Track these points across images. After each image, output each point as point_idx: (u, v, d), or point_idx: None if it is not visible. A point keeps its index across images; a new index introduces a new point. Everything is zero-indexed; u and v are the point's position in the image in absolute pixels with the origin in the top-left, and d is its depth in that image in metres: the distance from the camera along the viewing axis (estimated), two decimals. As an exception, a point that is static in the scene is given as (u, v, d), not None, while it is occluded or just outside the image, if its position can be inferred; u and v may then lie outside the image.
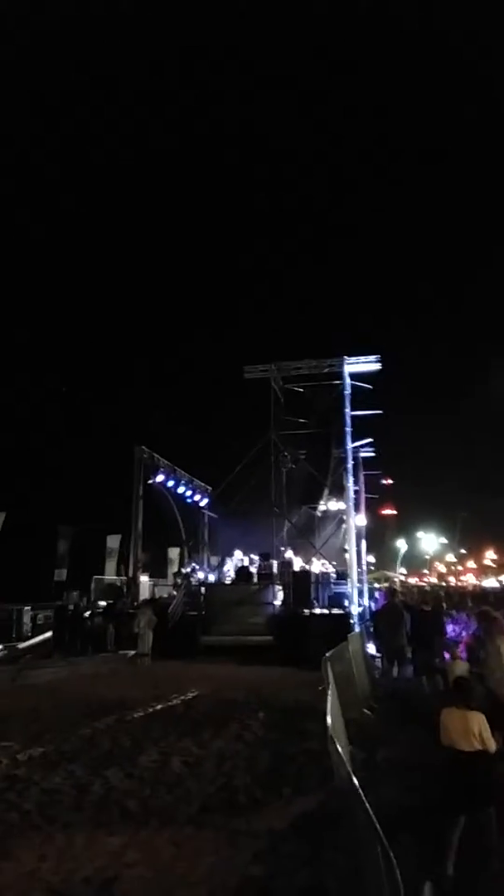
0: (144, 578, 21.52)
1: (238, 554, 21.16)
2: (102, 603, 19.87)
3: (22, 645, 17.84)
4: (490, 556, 75.13)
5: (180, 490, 23.11)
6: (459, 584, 56.00)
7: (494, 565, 71.99)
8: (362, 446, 23.42)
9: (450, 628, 13.47)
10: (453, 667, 7.97)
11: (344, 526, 21.74)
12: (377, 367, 20.64)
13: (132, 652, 16.21)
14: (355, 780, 3.34)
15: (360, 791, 3.20)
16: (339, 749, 4.20)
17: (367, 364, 20.70)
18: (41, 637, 18.48)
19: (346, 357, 20.69)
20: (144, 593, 20.68)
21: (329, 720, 4.73)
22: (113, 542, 23.84)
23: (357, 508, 22.99)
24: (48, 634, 18.46)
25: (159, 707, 9.97)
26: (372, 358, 20.67)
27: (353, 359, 20.73)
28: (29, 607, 20.09)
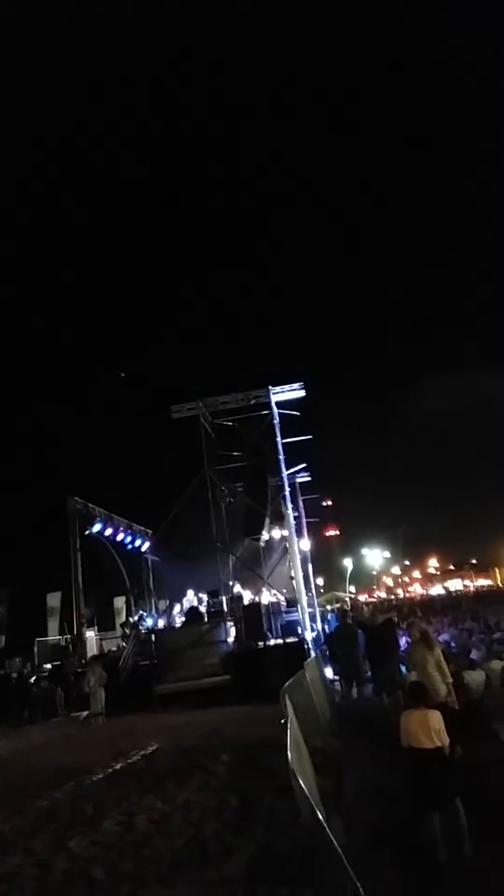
0: (90, 633, 20.85)
1: (190, 594, 20.84)
2: (48, 665, 19.09)
3: (-34, 721, 16.81)
4: (433, 563, 77.05)
5: (119, 537, 22.66)
6: (408, 595, 57.02)
7: (438, 572, 73.83)
8: (297, 472, 23.73)
9: (403, 641, 13.64)
10: (411, 678, 8.10)
11: (289, 553, 21.79)
12: (302, 393, 21.11)
13: (85, 713, 15.59)
14: (319, 815, 3.30)
15: (325, 825, 3.16)
16: (301, 783, 4.14)
17: (291, 392, 21.13)
18: (-14, 710, 17.48)
19: (270, 387, 21.04)
20: (92, 649, 20.00)
21: (290, 755, 4.66)
22: (53, 599, 22.97)
23: (299, 533, 23.16)
24: (-7, 706, 17.49)
25: (119, 766, 9.57)
26: (296, 385, 21.13)
27: (278, 388, 21.11)
28: (-30, 680, 19.01)
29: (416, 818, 4.94)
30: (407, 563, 77.25)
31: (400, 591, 63.75)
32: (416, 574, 76.44)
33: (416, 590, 62.97)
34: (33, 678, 18.01)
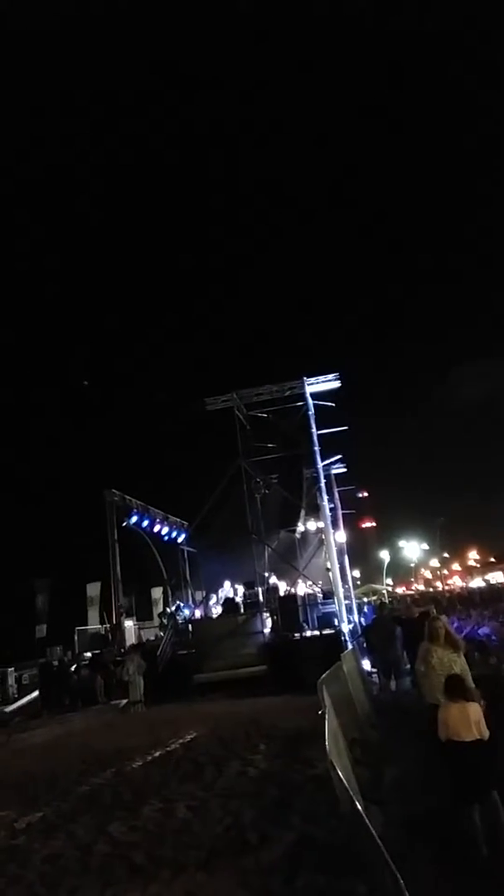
0: (129, 623, 21.12)
1: (227, 585, 20.95)
2: (88, 654, 19.41)
3: (9, 708, 17.28)
4: (473, 556, 75.83)
5: (156, 529, 22.88)
6: (447, 587, 56.30)
7: (478, 565, 72.64)
8: (333, 463, 23.56)
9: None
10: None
11: (325, 545, 21.70)
12: (337, 384, 20.93)
13: (124, 701, 15.81)
14: (359, 805, 3.27)
15: (364, 815, 3.13)
16: (340, 774, 4.11)
17: (327, 383, 20.97)
18: (28, 697, 17.93)
19: (305, 378, 20.92)
20: (131, 638, 20.26)
21: (328, 745, 4.64)
22: (93, 589, 23.37)
23: (335, 525, 23.00)
24: (35, 694, 17.93)
25: (158, 753, 9.70)
26: (331, 376, 20.96)
27: (313, 379, 20.97)
28: (12, 668, 19.51)
29: (455, 811, 4.88)
30: (446, 555, 76.19)
31: (439, 584, 62.94)
32: (456, 566, 75.35)
33: (456, 582, 62.07)
34: (74, 666, 18.34)
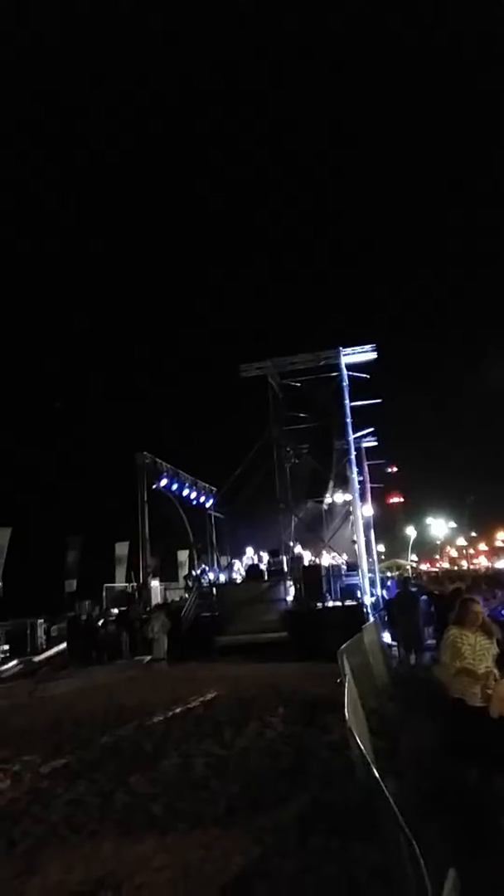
0: (155, 583, 21.52)
1: (249, 552, 21.16)
2: (115, 610, 19.88)
3: (37, 658, 17.82)
4: (501, 536, 74.98)
5: (185, 493, 23.10)
6: (472, 566, 55.95)
7: (506, 546, 71.81)
8: (364, 436, 23.40)
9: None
10: None
11: (351, 517, 21.69)
12: (373, 356, 20.64)
13: (148, 657, 16.21)
14: (375, 773, 3.30)
15: (381, 782, 3.16)
16: (359, 741, 4.16)
17: (363, 354, 20.68)
18: (56, 649, 18.47)
19: (341, 348, 20.67)
20: (156, 598, 20.68)
21: (347, 713, 4.69)
22: (121, 549, 23.85)
23: (363, 499, 22.96)
24: (63, 646, 18.46)
25: (179, 710, 9.94)
26: (367, 347, 20.66)
27: (349, 349, 20.71)
28: (42, 620, 20.07)
29: (481, 784, 4.92)
30: (474, 534, 75.57)
31: (465, 563, 62.56)
32: (483, 546, 74.69)
33: (482, 562, 61.62)
34: (101, 621, 18.81)
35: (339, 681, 7.09)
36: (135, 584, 21.64)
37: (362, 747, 4.20)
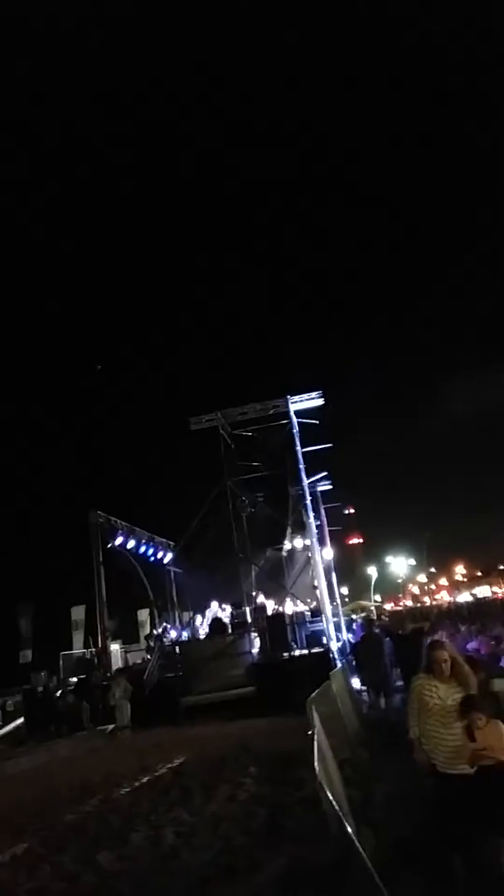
0: (115, 646, 20.86)
1: (214, 605, 20.81)
2: (73, 679, 19.12)
3: (-7, 736, 16.93)
4: (460, 570, 75.99)
5: (142, 550, 22.69)
6: (434, 602, 56.33)
7: (465, 579, 72.76)
8: (318, 480, 23.62)
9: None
10: None
11: (311, 562, 21.67)
12: (320, 402, 21.09)
13: (111, 726, 15.57)
14: (348, 827, 3.23)
15: (354, 838, 3.09)
16: (330, 795, 4.06)
17: (310, 400, 21.14)
18: (12, 725, 17.63)
19: (289, 396, 21.06)
20: (117, 662, 20.00)
21: (317, 767, 4.58)
22: (77, 613, 23.04)
23: (322, 542, 23.00)
24: (19, 721, 17.61)
25: (146, 779, 9.54)
26: (314, 394, 21.15)
27: (297, 397, 21.13)
28: (-4, 695, 19.17)
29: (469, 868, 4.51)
30: (433, 570, 76.38)
31: (427, 599, 62.94)
32: (443, 581, 75.47)
33: (444, 597, 62.12)
34: (59, 692, 18.05)
35: (308, 732, 6.95)
36: (93, 649, 20.89)
37: (334, 803, 4.08)
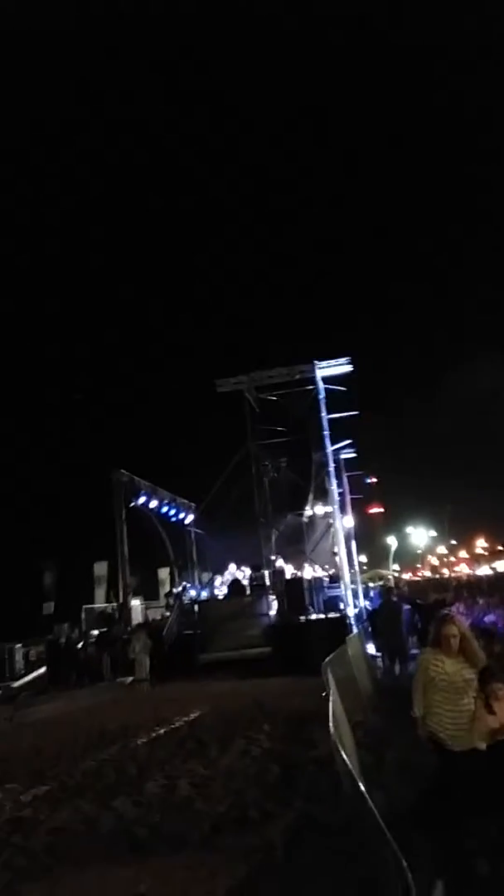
0: (136, 602, 21.29)
1: (232, 567, 21.05)
2: (95, 632, 19.59)
3: (16, 683, 17.50)
4: (481, 544, 75.65)
5: (164, 510, 22.95)
6: (454, 574, 56.33)
7: (486, 553, 72.51)
8: (342, 448, 23.51)
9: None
10: None
11: (332, 529, 21.73)
12: (348, 368, 20.81)
13: (130, 678, 15.99)
14: (361, 786, 3.27)
15: (367, 797, 3.13)
16: (344, 755, 4.12)
17: (338, 367, 20.86)
18: (35, 673, 18.15)
19: (316, 361, 20.81)
20: (137, 617, 20.44)
21: (332, 727, 4.65)
22: (100, 569, 23.53)
23: (343, 510, 23.03)
24: (42, 670, 18.14)
25: (162, 731, 9.80)
26: (342, 360, 20.85)
27: (324, 363, 20.87)
28: (20, 644, 19.73)
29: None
30: (454, 542, 76.10)
31: (446, 571, 62.97)
32: (463, 554, 75.28)
33: (463, 570, 62.09)
34: (81, 643, 18.53)
35: (323, 694, 7.04)
36: (115, 604, 21.36)
37: (348, 762, 4.16)
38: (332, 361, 20.86)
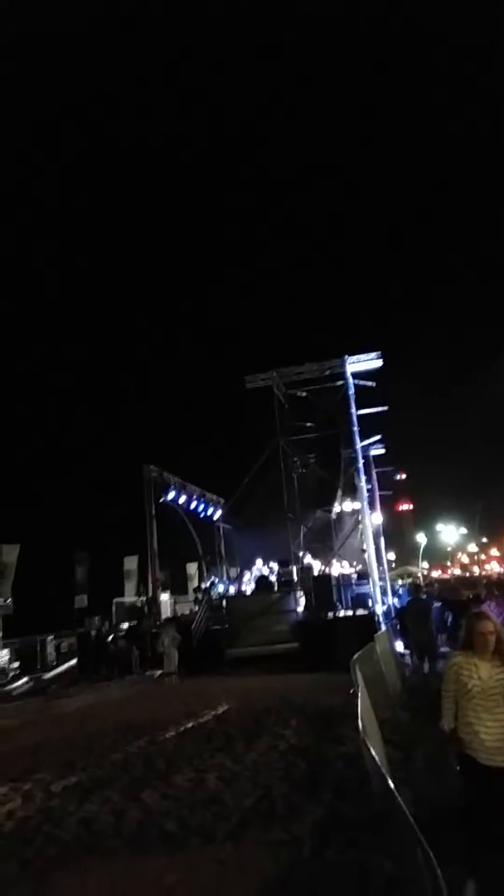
0: (165, 597, 21.46)
1: (259, 563, 21.06)
2: (125, 625, 19.82)
3: (47, 675, 17.79)
4: (512, 542, 74.36)
5: (193, 505, 23.07)
6: (484, 572, 55.56)
7: (518, 551, 71.27)
8: (372, 444, 23.32)
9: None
10: None
11: (360, 526, 21.58)
12: (378, 363, 20.61)
13: (158, 672, 16.12)
14: (391, 783, 3.24)
15: (396, 793, 3.10)
16: (373, 752, 4.08)
17: (368, 362, 20.66)
18: (66, 665, 18.44)
19: (346, 357, 20.65)
20: (166, 612, 20.60)
21: (360, 723, 4.62)
22: (130, 563, 23.81)
23: (372, 506, 22.84)
24: (73, 662, 18.42)
25: (190, 725, 9.86)
26: (373, 355, 20.64)
27: (354, 358, 20.68)
28: (52, 636, 20.07)
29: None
30: (484, 540, 75.04)
31: (476, 569, 62.13)
32: (494, 552, 74.18)
33: (494, 568, 61.17)
34: (111, 636, 18.75)
35: (351, 691, 7.01)
36: (144, 598, 21.57)
37: (377, 759, 4.13)
38: (363, 356, 20.66)
